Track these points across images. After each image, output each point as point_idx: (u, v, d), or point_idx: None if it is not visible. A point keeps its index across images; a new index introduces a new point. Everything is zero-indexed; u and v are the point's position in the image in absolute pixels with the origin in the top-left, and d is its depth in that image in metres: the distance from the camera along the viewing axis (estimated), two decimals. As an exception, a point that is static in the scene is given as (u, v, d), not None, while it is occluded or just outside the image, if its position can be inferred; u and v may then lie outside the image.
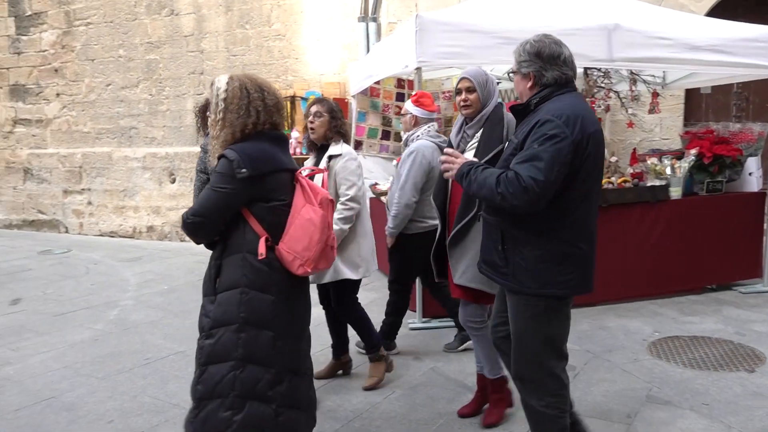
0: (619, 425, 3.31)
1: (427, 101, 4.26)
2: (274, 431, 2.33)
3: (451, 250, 3.12)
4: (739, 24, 5.47)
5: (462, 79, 3.16)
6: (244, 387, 2.29)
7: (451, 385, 3.87)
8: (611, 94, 6.38)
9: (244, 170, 2.27)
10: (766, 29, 5.35)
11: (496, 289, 2.90)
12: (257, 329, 2.32)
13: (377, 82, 6.77)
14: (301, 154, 7.09)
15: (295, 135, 7.55)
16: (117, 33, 9.98)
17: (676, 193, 5.65)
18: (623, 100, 6.52)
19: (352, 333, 4.02)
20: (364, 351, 4.38)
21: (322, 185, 3.58)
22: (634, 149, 6.60)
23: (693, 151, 5.80)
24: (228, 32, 9.15)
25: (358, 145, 7.30)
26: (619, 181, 5.58)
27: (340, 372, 4.06)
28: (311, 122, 3.70)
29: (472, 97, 3.11)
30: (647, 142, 7.33)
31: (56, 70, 10.56)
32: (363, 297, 4.88)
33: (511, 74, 2.71)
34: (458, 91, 3.17)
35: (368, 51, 7.74)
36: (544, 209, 2.39)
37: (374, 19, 7.98)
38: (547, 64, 2.49)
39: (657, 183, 5.62)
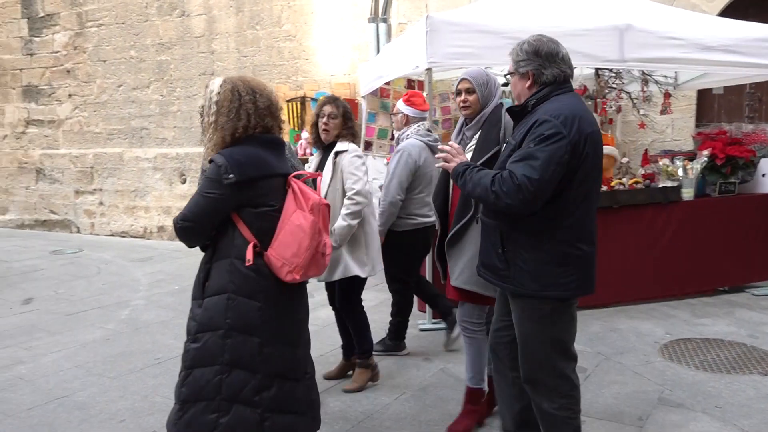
0: (630, 428, 3.29)
1: (418, 100, 4.32)
2: None
3: (448, 251, 3.10)
4: (751, 24, 5.42)
5: (462, 80, 3.13)
6: (230, 391, 2.28)
7: (461, 386, 3.83)
8: (623, 95, 6.35)
9: (231, 176, 2.25)
10: (779, 29, 5.31)
11: (492, 291, 2.88)
12: (244, 335, 2.30)
13: (387, 83, 6.77)
14: (311, 154, 7.10)
15: (305, 135, 7.56)
16: (128, 34, 10.04)
17: (688, 194, 5.61)
18: (635, 101, 6.48)
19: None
20: (373, 352, 4.39)
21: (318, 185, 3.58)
22: (646, 150, 6.56)
23: (705, 152, 5.76)
24: (238, 33, 9.18)
25: (368, 146, 7.29)
26: (631, 182, 5.54)
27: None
28: (325, 123, 3.67)
29: (471, 98, 3.08)
30: (659, 143, 7.29)
31: (68, 71, 10.64)
32: (372, 297, 4.90)
33: (507, 76, 2.68)
34: (458, 92, 3.15)
35: (378, 52, 7.74)
36: (544, 210, 2.38)
37: (384, 20, 7.98)
38: (546, 62, 2.48)
39: (669, 184, 5.59)
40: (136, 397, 3.81)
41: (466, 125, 3.16)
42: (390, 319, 4.46)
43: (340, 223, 3.54)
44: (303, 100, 8.05)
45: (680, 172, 5.67)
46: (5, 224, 11.45)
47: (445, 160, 2.66)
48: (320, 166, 3.75)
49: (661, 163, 5.85)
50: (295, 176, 2.42)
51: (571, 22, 4.84)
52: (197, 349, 2.33)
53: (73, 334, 5.07)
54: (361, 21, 8.25)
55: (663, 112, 6.42)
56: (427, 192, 4.19)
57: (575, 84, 6.63)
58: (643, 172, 5.82)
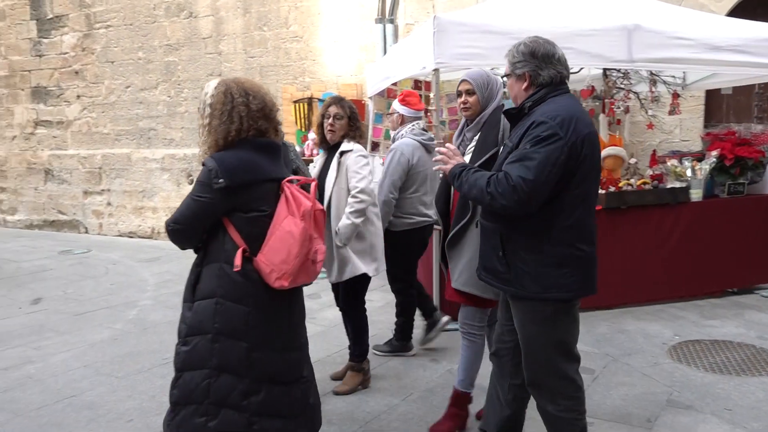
0: (639, 429, 3.28)
1: (413, 100, 4.37)
2: None
3: (449, 253, 3.09)
4: (760, 24, 5.39)
5: (462, 81, 3.12)
6: (218, 395, 2.27)
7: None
8: (631, 95, 6.32)
9: (221, 180, 2.23)
10: (789, 29, 5.27)
11: (491, 293, 2.86)
12: (231, 340, 2.29)
13: (394, 84, 6.76)
14: (318, 155, 7.10)
15: (312, 136, 7.57)
16: (136, 35, 10.08)
17: (696, 195, 5.59)
18: (643, 102, 6.45)
19: (370, 334, 4.00)
20: (379, 353, 4.40)
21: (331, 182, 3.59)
22: (654, 151, 6.53)
23: (714, 153, 5.73)
24: (246, 34, 9.20)
25: (375, 147, 7.30)
26: (639, 182, 5.52)
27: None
28: (331, 124, 3.67)
29: (471, 99, 3.07)
30: (667, 143, 7.25)
31: (77, 73, 10.70)
32: (378, 298, 4.90)
33: (504, 78, 2.67)
34: (458, 93, 3.14)
35: (385, 52, 7.73)
36: (543, 211, 2.38)
37: (391, 21, 7.96)
38: (542, 63, 2.48)
39: (677, 185, 5.56)
40: (143, 397, 3.82)
41: (467, 126, 3.15)
42: (395, 319, 4.46)
43: (344, 221, 3.55)
44: (310, 100, 8.06)
45: (689, 172, 5.64)
46: (14, 224, 11.53)
47: (443, 162, 2.66)
48: (325, 167, 3.75)
49: (669, 163, 5.83)
50: (288, 181, 2.39)
51: (579, 22, 4.82)
52: (187, 353, 2.32)
53: (81, 333, 5.10)
54: (368, 22, 8.24)
55: (671, 112, 6.39)
56: (423, 191, 4.21)
57: (583, 84, 6.67)
58: (651, 172, 5.80)
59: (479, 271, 2.69)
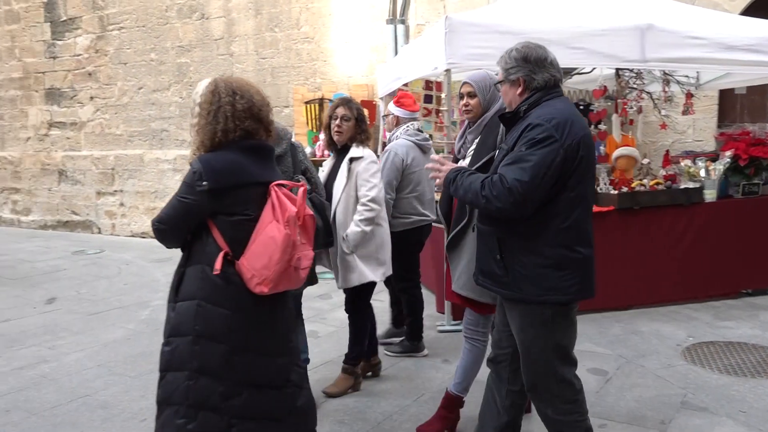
0: (653, 431, 3.26)
1: (408, 101, 4.41)
2: None
3: (449, 255, 3.07)
4: (776, 23, 5.34)
5: (464, 83, 3.11)
6: (196, 398, 2.25)
7: (480, 388, 3.81)
8: (644, 95, 6.28)
9: (204, 183, 2.20)
10: (804, 28, 5.22)
11: (488, 298, 2.84)
12: (211, 343, 2.26)
13: (405, 84, 6.77)
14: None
15: (323, 137, 7.57)
16: (149, 37, 10.15)
17: (710, 195, 5.54)
18: (656, 102, 6.41)
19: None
20: (391, 353, 4.40)
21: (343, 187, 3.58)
22: (667, 151, 6.48)
23: (728, 153, 5.68)
24: (257, 35, 9.24)
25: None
26: (652, 183, 5.49)
27: (369, 374, 4.06)
28: (338, 126, 3.66)
29: (473, 102, 3.06)
30: (679, 143, 7.20)
31: (90, 74, 10.79)
32: (387, 299, 4.89)
33: (498, 85, 2.68)
34: (460, 96, 3.14)
35: (396, 53, 7.74)
36: (541, 214, 2.37)
37: (402, 21, 7.97)
38: (535, 67, 2.48)
39: (691, 185, 5.52)
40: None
41: (469, 129, 3.15)
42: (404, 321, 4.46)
43: (353, 228, 3.53)
44: (321, 101, 8.08)
45: (702, 173, 5.60)
46: (29, 225, 11.64)
47: (437, 176, 2.66)
48: (334, 170, 3.73)
49: (682, 164, 5.78)
50: (278, 185, 2.34)
51: (591, 22, 4.81)
52: (169, 353, 2.31)
53: (95, 333, 5.14)
54: (379, 22, 8.25)
55: (685, 112, 6.34)
56: (420, 191, 4.24)
57: (595, 84, 6.64)
58: (664, 173, 5.76)
59: (476, 276, 2.67)
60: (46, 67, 11.22)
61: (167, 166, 10.13)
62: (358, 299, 3.78)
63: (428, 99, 7.38)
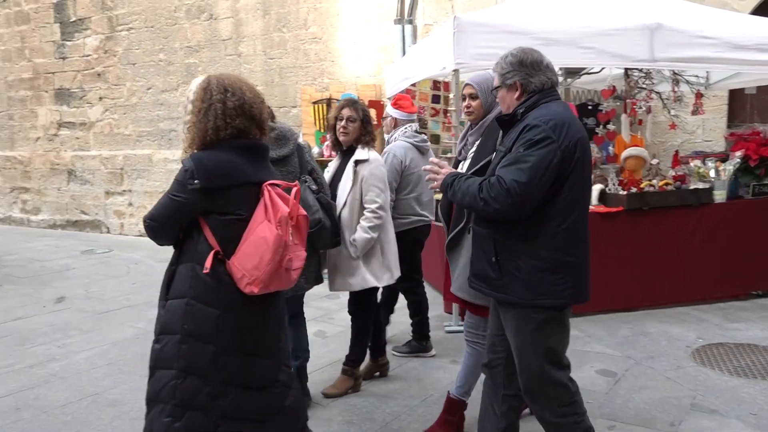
0: (662, 433, 3.24)
1: (405, 104, 4.42)
2: None
3: (448, 256, 3.06)
4: (786, 22, 5.31)
5: (466, 85, 3.11)
6: (183, 397, 2.24)
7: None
8: (653, 95, 6.25)
9: (196, 182, 2.19)
10: (815, 27, 5.18)
11: (482, 300, 2.82)
12: (199, 342, 2.24)
13: (413, 84, 6.77)
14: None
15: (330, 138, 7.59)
16: (158, 37, 10.19)
17: (720, 196, 5.51)
18: (665, 102, 6.38)
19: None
20: (399, 354, 4.41)
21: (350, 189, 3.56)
22: (676, 151, 6.45)
23: (738, 153, 5.65)
24: (265, 36, 9.26)
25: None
26: (661, 183, 5.46)
27: (378, 374, 4.06)
28: (344, 127, 3.63)
29: (474, 104, 3.05)
30: (689, 143, 7.16)
31: (99, 75, 10.84)
32: (399, 299, 4.88)
33: (494, 91, 2.68)
34: (463, 97, 3.13)
35: (404, 53, 7.73)
36: (537, 216, 2.36)
37: (410, 21, 7.95)
38: (532, 71, 2.50)
39: (700, 186, 5.50)
40: (166, 396, 3.85)
41: (470, 130, 3.14)
42: (411, 321, 4.46)
43: (361, 235, 3.52)
44: (329, 101, 8.08)
45: (712, 173, 5.57)
46: (38, 224, 11.71)
47: (434, 179, 2.66)
48: (339, 171, 3.72)
49: (692, 164, 5.76)
50: (271, 184, 2.31)
51: (600, 21, 4.79)
52: (159, 351, 2.30)
53: (104, 332, 5.17)
54: (387, 22, 8.24)
55: (695, 112, 6.31)
56: (418, 191, 4.25)
57: (604, 84, 6.61)
58: (673, 173, 5.73)
59: (470, 280, 2.65)
60: (55, 67, 11.29)
61: (175, 166, 10.15)
62: (360, 302, 3.78)
63: (436, 99, 7.39)
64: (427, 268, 4.55)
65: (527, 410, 3.15)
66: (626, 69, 6.03)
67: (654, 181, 5.51)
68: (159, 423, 2.26)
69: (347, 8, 8.64)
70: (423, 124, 7.44)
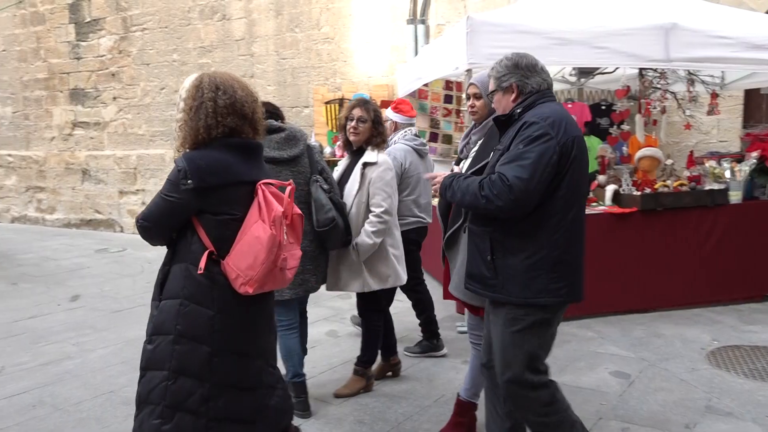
0: (676, 436, 3.22)
1: (405, 107, 4.45)
2: None
3: (448, 255, 3.04)
4: (803, 21, 5.25)
5: (470, 85, 3.12)
6: (174, 399, 2.21)
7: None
8: (667, 95, 6.21)
9: (189, 182, 2.16)
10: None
11: (477, 301, 2.81)
12: (193, 343, 2.22)
13: (425, 84, 6.76)
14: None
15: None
16: (171, 38, 10.25)
17: (735, 197, 5.46)
18: (680, 102, 6.33)
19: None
20: (411, 354, 4.40)
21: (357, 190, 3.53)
22: (691, 152, 6.40)
23: (754, 154, 5.60)
24: (278, 36, 9.29)
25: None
26: (676, 184, 5.42)
27: (390, 374, 4.06)
28: (354, 127, 3.59)
29: (478, 103, 3.04)
30: (704, 144, 7.11)
31: (113, 75, 10.93)
32: (404, 298, 4.88)
33: (489, 96, 2.68)
34: (467, 97, 3.14)
35: (417, 53, 7.74)
36: (535, 214, 2.36)
37: (423, 21, 7.97)
38: (527, 72, 2.53)
39: (715, 187, 5.44)
40: (179, 394, 3.87)
41: (474, 129, 3.13)
42: (418, 321, 4.46)
43: (364, 239, 3.48)
44: (341, 101, 8.10)
45: (727, 174, 5.52)
46: (53, 223, 11.82)
47: (435, 182, 2.70)
48: (347, 171, 3.68)
49: (707, 165, 5.71)
50: (265, 183, 2.30)
51: (614, 21, 4.76)
52: (151, 351, 2.28)
53: (118, 330, 5.20)
54: (400, 22, 8.26)
55: (710, 112, 6.25)
56: (417, 193, 4.25)
57: (618, 84, 6.57)
58: (688, 174, 5.69)
59: (465, 281, 2.64)
60: (70, 67, 11.39)
61: (188, 165, 10.22)
62: (368, 303, 3.77)
63: (448, 99, 7.37)
64: (435, 266, 4.53)
65: None
66: (641, 69, 5.99)
67: (668, 182, 5.46)
68: (148, 425, 2.24)
69: (360, 8, 8.65)
70: (435, 124, 7.44)
